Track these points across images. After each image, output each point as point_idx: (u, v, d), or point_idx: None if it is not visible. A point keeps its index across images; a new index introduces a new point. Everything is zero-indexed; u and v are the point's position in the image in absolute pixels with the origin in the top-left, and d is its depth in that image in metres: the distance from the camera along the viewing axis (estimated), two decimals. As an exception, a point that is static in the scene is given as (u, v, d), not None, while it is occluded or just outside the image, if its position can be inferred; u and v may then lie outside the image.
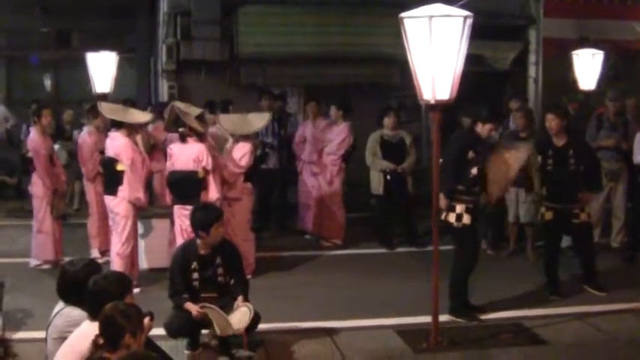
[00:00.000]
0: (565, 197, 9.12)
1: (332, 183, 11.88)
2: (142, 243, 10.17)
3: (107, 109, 9.81)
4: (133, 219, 9.57)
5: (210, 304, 6.98)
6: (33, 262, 10.54)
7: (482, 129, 8.42)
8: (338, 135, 11.82)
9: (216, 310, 6.94)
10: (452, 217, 8.32)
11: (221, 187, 9.53)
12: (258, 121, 10.18)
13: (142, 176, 9.53)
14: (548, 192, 9.25)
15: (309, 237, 12.40)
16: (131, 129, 9.65)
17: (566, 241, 10.88)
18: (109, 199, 9.61)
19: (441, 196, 8.09)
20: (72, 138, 14.00)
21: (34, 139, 10.47)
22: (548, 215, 9.25)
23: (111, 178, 9.63)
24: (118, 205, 9.48)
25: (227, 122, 10.18)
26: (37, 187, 10.57)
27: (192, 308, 7.02)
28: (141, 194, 9.48)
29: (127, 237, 9.48)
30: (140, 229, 10.17)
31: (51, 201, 10.46)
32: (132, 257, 9.52)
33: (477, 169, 8.26)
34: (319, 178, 12.00)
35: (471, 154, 8.30)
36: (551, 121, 9.19)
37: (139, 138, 9.84)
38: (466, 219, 8.28)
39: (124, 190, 9.42)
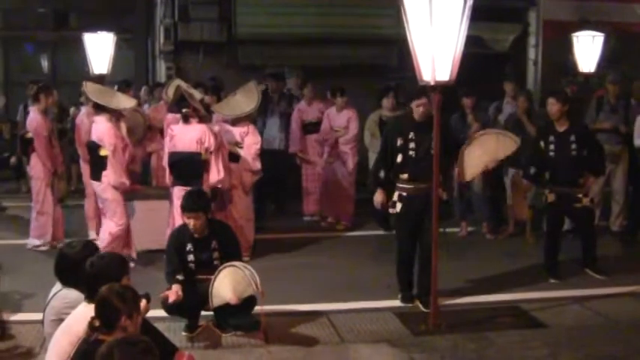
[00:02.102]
0: (567, 182, 9.08)
1: (353, 169, 11.89)
2: (139, 224, 10.12)
3: (92, 91, 9.73)
4: (121, 201, 9.52)
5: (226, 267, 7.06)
6: (31, 243, 10.50)
7: (415, 109, 8.15)
8: (351, 123, 11.81)
9: (223, 279, 6.99)
10: (390, 203, 8.30)
11: (225, 170, 9.48)
12: (246, 104, 10.10)
13: (124, 162, 9.46)
14: (551, 176, 9.20)
15: (308, 219, 12.41)
16: (115, 113, 9.61)
17: (565, 224, 10.87)
18: (95, 185, 9.59)
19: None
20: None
21: (35, 119, 10.40)
22: (551, 197, 9.19)
23: (95, 163, 9.61)
24: (105, 190, 9.44)
25: (218, 107, 10.20)
26: (37, 168, 10.52)
27: (171, 293, 7.00)
28: (124, 179, 9.43)
29: (120, 219, 9.46)
30: (138, 211, 10.15)
31: (52, 182, 10.42)
32: (125, 238, 9.51)
33: (401, 156, 8.09)
34: (334, 165, 11.96)
35: (399, 141, 8.14)
36: (552, 106, 9.11)
37: (122, 123, 9.76)
38: (398, 207, 8.19)
39: (107, 176, 9.38)
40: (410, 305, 8.22)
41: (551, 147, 9.12)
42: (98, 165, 9.49)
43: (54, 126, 11.08)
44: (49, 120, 10.70)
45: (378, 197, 8.24)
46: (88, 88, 9.75)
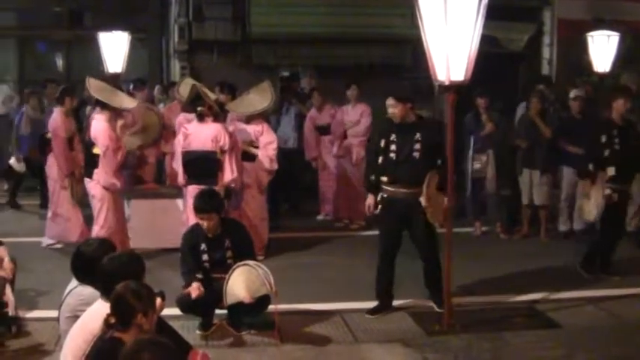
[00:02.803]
0: (629, 178, 9.11)
1: (359, 165, 11.85)
2: (153, 223, 10.17)
3: (94, 87, 9.69)
4: (109, 203, 9.52)
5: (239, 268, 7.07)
6: (45, 241, 10.52)
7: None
8: (363, 117, 11.78)
9: (237, 277, 7.02)
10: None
11: (238, 170, 9.48)
12: (260, 102, 10.12)
13: (115, 163, 9.47)
14: (617, 173, 9.00)
15: (321, 218, 12.42)
16: (114, 112, 9.63)
17: (578, 224, 10.87)
18: (86, 181, 9.66)
19: None
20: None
21: (55, 120, 10.40)
22: (615, 197, 9.00)
23: (88, 161, 9.68)
24: (93, 187, 9.52)
25: (232, 105, 10.25)
26: (53, 169, 10.54)
27: (192, 289, 7.03)
28: (115, 180, 9.48)
29: (104, 220, 9.48)
30: (151, 209, 10.20)
31: (70, 184, 10.37)
32: (117, 239, 9.38)
33: (382, 158, 7.85)
34: (341, 161, 11.96)
35: (382, 143, 7.88)
36: (626, 103, 9.10)
37: (119, 123, 9.76)
38: (379, 209, 8.00)
39: (98, 174, 9.43)
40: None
41: (616, 140, 9.03)
42: (90, 162, 9.58)
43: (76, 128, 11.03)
44: (72, 122, 10.65)
45: (368, 200, 8.05)
46: (91, 84, 9.70)
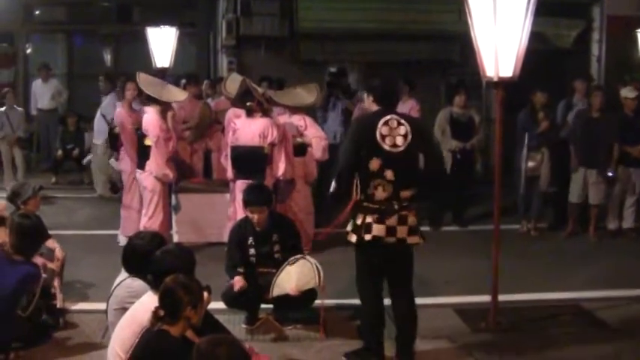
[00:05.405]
0: None
1: None
2: (199, 217, 10.24)
3: (144, 82, 9.76)
4: (160, 194, 9.62)
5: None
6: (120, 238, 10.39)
7: None
8: (411, 113, 11.63)
9: (291, 270, 7.07)
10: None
11: (287, 161, 9.52)
12: (306, 97, 10.14)
13: (167, 154, 9.56)
14: None
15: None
16: (165, 105, 9.69)
17: (627, 222, 10.74)
18: (138, 173, 9.75)
19: None
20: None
21: (120, 113, 10.45)
22: None
23: (140, 152, 9.76)
24: (146, 179, 9.61)
25: (277, 95, 10.26)
26: (126, 162, 10.46)
27: (235, 282, 7.08)
28: (167, 171, 9.57)
29: (154, 211, 9.57)
30: (198, 204, 10.25)
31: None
32: (161, 231, 9.13)
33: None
34: None
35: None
36: None
37: (170, 115, 9.83)
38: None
39: (150, 165, 9.54)
40: (470, 302, 7.97)
41: None
42: (142, 154, 9.68)
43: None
44: (138, 114, 10.25)
45: None
46: (141, 78, 9.77)
